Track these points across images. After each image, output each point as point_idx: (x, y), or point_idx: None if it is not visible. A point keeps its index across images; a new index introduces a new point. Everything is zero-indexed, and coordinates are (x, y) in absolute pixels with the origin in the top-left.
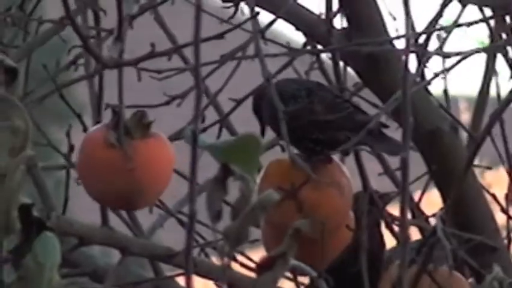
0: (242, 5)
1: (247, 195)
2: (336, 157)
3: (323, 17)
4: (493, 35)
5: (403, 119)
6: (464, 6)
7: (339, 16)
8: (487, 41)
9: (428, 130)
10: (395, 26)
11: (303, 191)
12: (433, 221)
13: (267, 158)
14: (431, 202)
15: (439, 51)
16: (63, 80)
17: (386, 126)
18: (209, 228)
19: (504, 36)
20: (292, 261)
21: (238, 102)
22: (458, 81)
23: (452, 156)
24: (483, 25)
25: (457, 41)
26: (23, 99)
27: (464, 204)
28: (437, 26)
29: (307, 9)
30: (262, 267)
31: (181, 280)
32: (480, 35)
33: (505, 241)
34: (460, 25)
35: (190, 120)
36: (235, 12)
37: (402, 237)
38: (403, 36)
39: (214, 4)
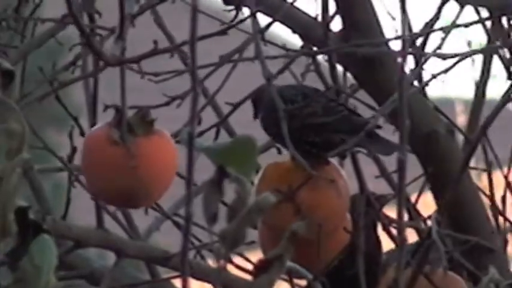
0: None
1: (243, 198)
2: (333, 160)
3: (319, 19)
4: (490, 36)
5: (399, 121)
6: (462, 7)
7: (335, 19)
8: (483, 43)
9: (424, 132)
10: (394, 27)
11: (300, 193)
12: (429, 223)
13: (262, 160)
14: (428, 204)
15: (436, 53)
16: (60, 82)
17: (379, 127)
18: (205, 231)
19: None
20: (289, 264)
21: (235, 106)
22: (455, 84)
23: (448, 158)
24: (480, 27)
25: (454, 43)
26: (20, 101)
27: (461, 207)
28: (435, 27)
29: (304, 12)
30: (258, 270)
31: (177, 282)
32: (477, 36)
33: (502, 243)
34: (457, 26)
35: (186, 122)
36: (236, 15)
37: (399, 239)
38: (399, 37)
39: (215, 6)
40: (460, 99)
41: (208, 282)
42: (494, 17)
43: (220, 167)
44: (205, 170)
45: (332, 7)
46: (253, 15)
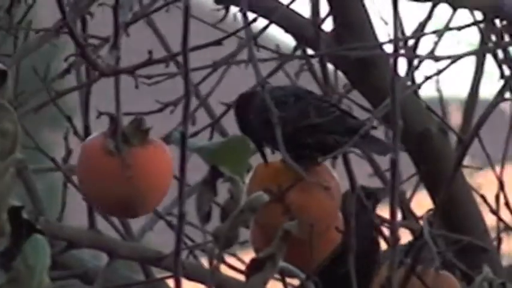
0: (235, 10)
1: (236, 197)
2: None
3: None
4: (484, 37)
5: (392, 122)
6: (455, 9)
7: (328, 19)
8: (475, 42)
9: (417, 132)
10: (386, 30)
11: (291, 193)
12: (422, 223)
13: (255, 161)
14: (421, 203)
15: (430, 55)
16: (55, 85)
17: (374, 128)
18: (198, 230)
19: (494, 38)
20: (281, 263)
21: (230, 106)
22: (449, 83)
23: (441, 157)
24: (474, 28)
25: (446, 42)
26: (14, 102)
27: (454, 206)
28: (428, 29)
29: (297, 12)
30: (251, 269)
31: (171, 283)
32: (471, 37)
33: (495, 242)
34: (450, 29)
35: (179, 123)
36: (225, 15)
37: (392, 239)
38: (391, 41)
39: (205, 6)
40: (454, 99)
41: (202, 282)
42: (487, 19)
43: (213, 167)
44: (198, 170)
45: (325, 7)
46: (248, 24)
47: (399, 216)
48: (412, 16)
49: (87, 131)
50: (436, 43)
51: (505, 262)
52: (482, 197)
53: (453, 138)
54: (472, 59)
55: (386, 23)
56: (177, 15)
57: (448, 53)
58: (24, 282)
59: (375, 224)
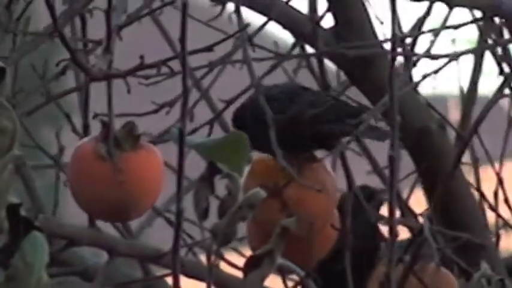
0: (230, 8)
1: (234, 194)
2: (322, 155)
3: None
4: (482, 35)
5: (390, 118)
6: (451, 8)
7: (327, 15)
8: (472, 39)
9: (416, 128)
10: (382, 31)
11: (288, 189)
12: (421, 220)
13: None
14: (420, 201)
15: (427, 53)
16: (54, 83)
17: (367, 108)
18: (197, 226)
19: (493, 36)
20: (280, 260)
21: (228, 103)
22: (448, 80)
23: (441, 154)
24: (472, 26)
25: (444, 39)
26: (12, 100)
27: (453, 203)
28: (425, 27)
29: (295, 9)
30: (249, 266)
31: (170, 280)
32: (465, 33)
33: (494, 239)
34: (448, 27)
35: (177, 120)
36: (221, 12)
37: (390, 236)
38: (389, 39)
39: (201, 4)
40: (453, 96)
41: (201, 279)
42: (486, 18)
43: (211, 163)
44: (196, 166)
45: (323, 4)
46: (245, 27)
47: (397, 213)
48: (409, 15)
49: (86, 130)
50: (432, 41)
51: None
52: (481, 193)
53: (452, 136)
54: (471, 57)
55: (382, 22)
56: (169, 15)
57: (446, 51)
58: (22, 280)
59: (375, 221)
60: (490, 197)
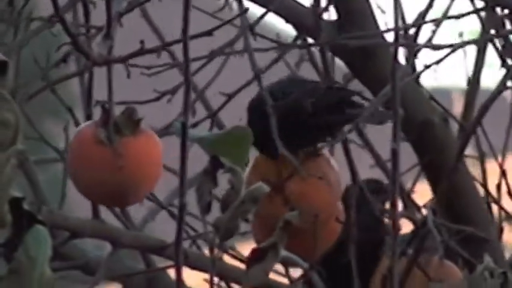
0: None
1: (237, 187)
2: (325, 148)
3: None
4: (484, 26)
5: (393, 110)
6: None
7: (329, 8)
8: (477, 31)
9: (418, 121)
10: (385, 20)
11: (291, 183)
12: (424, 212)
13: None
14: (423, 194)
15: (430, 44)
16: (55, 72)
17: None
18: (199, 220)
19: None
20: (284, 253)
21: (230, 97)
22: (451, 73)
23: (444, 147)
24: (474, 17)
25: (447, 32)
26: (14, 92)
27: (456, 196)
28: (428, 18)
29: (297, 1)
30: (253, 259)
31: (173, 272)
32: (470, 25)
33: (497, 232)
34: (449, 17)
35: (179, 114)
36: (224, 6)
37: (393, 229)
38: (391, 29)
39: None
40: (456, 89)
41: (204, 271)
42: (488, 8)
43: (214, 157)
44: (198, 160)
45: None
46: (245, 11)
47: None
48: (412, 5)
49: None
50: (434, 31)
51: (506, 252)
52: (484, 186)
53: (455, 128)
54: (474, 48)
55: (383, 12)
56: (169, 4)
57: (449, 43)
58: (25, 273)
59: (379, 214)
60: (492, 189)
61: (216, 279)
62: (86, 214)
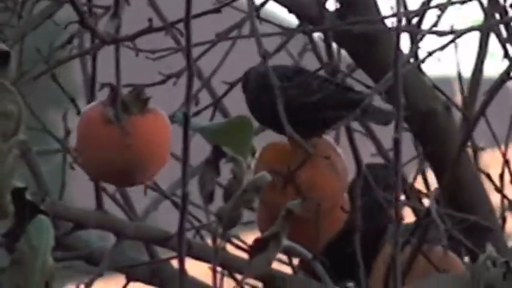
0: None
1: (239, 177)
2: (330, 138)
3: None
4: (487, 14)
5: (395, 98)
6: None
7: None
8: (481, 19)
9: (421, 110)
10: (389, 5)
11: (301, 172)
12: (427, 202)
13: (259, 141)
14: (427, 183)
15: (432, 30)
16: (57, 60)
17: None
18: (202, 210)
19: (497, 15)
20: (286, 242)
21: (232, 85)
22: (454, 62)
23: (446, 136)
24: (477, 5)
25: (452, 20)
26: (17, 82)
27: (459, 185)
28: (431, 4)
29: None
30: (255, 249)
31: (176, 263)
32: (474, 14)
33: (500, 221)
34: (453, 3)
35: (182, 103)
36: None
37: (395, 219)
38: (394, 15)
39: None
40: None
41: (208, 261)
42: None
43: (216, 146)
44: (201, 150)
45: None
46: None
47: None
48: None
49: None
50: (439, 16)
51: (509, 241)
52: (487, 175)
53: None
54: (476, 37)
55: None
56: None
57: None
58: (28, 263)
59: (383, 202)
60: (495, 179)
61: (219, 269)
62: (89, 205)
